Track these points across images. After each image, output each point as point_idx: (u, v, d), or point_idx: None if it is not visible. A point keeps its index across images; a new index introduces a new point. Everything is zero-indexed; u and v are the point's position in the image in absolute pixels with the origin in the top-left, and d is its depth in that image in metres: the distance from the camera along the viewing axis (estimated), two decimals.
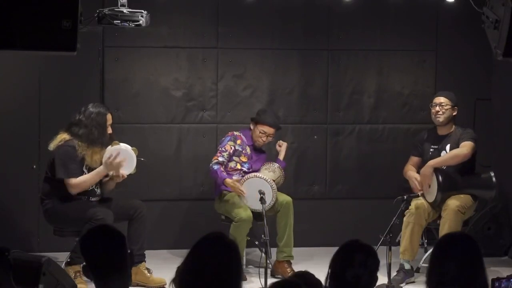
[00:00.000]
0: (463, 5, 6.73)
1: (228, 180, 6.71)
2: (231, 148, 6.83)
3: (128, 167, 6.29)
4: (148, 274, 6.38)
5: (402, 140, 7.78)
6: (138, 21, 5.89)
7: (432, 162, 6.69)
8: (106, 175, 6.32)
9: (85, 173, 6.26)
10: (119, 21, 5.87)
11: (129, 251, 3.29)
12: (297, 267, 6.82)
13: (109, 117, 6.36)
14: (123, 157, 6.23)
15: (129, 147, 6.30)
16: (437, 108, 6.81)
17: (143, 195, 6.94)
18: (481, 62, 7.77)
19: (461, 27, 7.74)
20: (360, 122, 7.85)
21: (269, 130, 6.85)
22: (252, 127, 6.92)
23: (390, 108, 7.86)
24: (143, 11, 5.92)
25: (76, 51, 5.17)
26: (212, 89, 7.60)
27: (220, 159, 6.77)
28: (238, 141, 6.88)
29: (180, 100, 7.55)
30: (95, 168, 6.25)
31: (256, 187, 6.55)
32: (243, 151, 6.88)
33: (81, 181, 6.20)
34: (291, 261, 6.84)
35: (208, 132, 7.54)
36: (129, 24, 5.88)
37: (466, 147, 6.71)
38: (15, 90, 7.25)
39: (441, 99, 6.82)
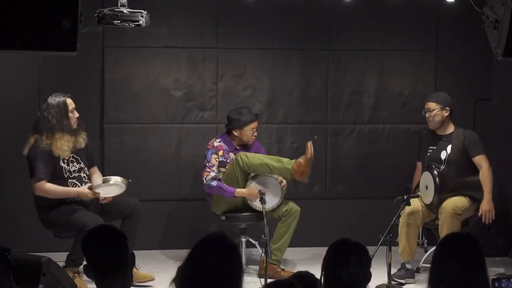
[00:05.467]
0: (463, 5, 6.73)
1: (239, 190, 6.63)
2: (216, 161, 6.75)
3: (117, 192, 6.29)
4: (135, 270, 6.30)
5: (402, 140, 7.78)
6: (138, 21, 5.88)
7: (488, 197, 6.62)
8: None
9: (63, 167, 6.22)
10: (119, 21, 5.86)
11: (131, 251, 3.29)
12: (297, 267, 6.83)
13: (69, 101, 6.28)
14: (113, 192, 6.23)
15: (119, 180, 6.18)
16: (427, 115, 6.80)
17: (143, 195, 6.93)
18: (481, 62, 7.77)
19: (461, 27, 7.74)
20: (360, 122, 7.84)
21: (256, 124, 6.83)
22: (236, 133, 6.80)
23: (390, 108, 7.86)
24: (143, 11, 5.91)
25: (76, 51, 5.16)
26: (212, 89, 7.59)
27: (212, 174, 6.69)
28: (220, 152, 6.78)
29: (180, 100, 7.55)
30: (65, 157, 6.19)
31: (265, 185, 6.54)
32: (227, 160, 6.79)
33: (47, 189, 6.13)
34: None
35: (208, 132, 7.53)
36: (129, 24, 5.87)
37: (485, 162, 6.69)
38: (15, 90, 7.25)
39: (429, 104, 6.79)
